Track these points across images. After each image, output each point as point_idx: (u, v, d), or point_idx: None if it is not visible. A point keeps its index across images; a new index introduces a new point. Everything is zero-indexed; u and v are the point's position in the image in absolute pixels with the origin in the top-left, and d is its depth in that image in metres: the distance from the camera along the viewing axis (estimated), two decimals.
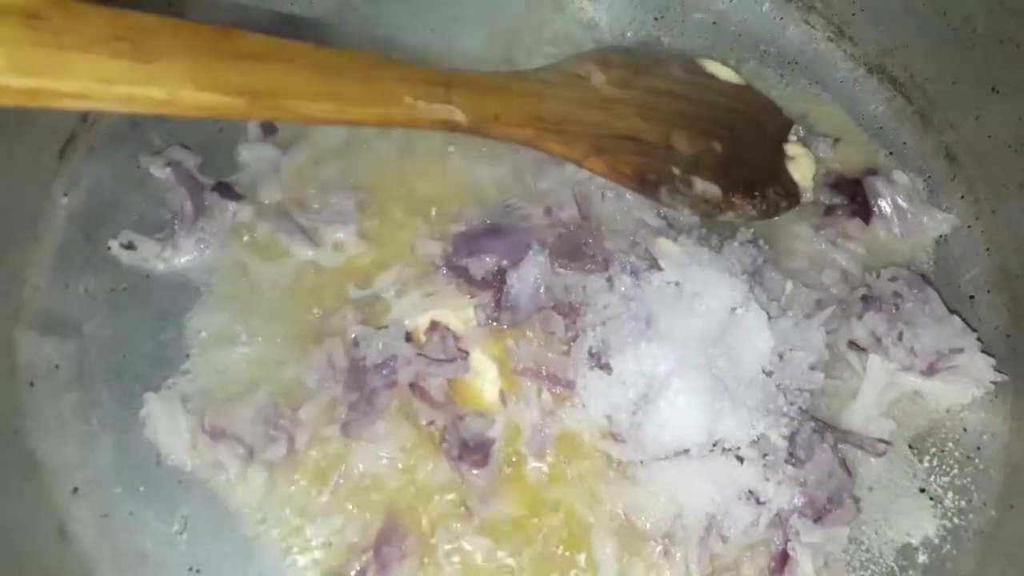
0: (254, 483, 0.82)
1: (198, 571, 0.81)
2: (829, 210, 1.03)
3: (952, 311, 0.95)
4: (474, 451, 0.85)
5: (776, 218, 1.00)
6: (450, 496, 0.84)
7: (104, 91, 0.57)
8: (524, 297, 0.91)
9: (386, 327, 0.89)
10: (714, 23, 1.14)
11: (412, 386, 0.87)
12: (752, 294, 0.90)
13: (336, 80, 0.69)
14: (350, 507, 0.83)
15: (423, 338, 0.89)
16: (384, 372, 0.87)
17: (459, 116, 0.76)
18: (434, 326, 0.90)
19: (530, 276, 0.91)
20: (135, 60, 0.57)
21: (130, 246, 0.92)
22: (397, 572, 0.80)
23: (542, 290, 0.92)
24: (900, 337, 0.92)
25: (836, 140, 1.07)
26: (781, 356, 0.89)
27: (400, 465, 0.84)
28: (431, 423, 0.86)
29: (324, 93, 0.68)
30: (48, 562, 0.78)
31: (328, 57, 0.69)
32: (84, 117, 0.96)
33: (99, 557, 0.81)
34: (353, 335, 0.88)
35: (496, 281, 0.92)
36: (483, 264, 0.93)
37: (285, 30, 0.69)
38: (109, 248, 0.92)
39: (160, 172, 0.95)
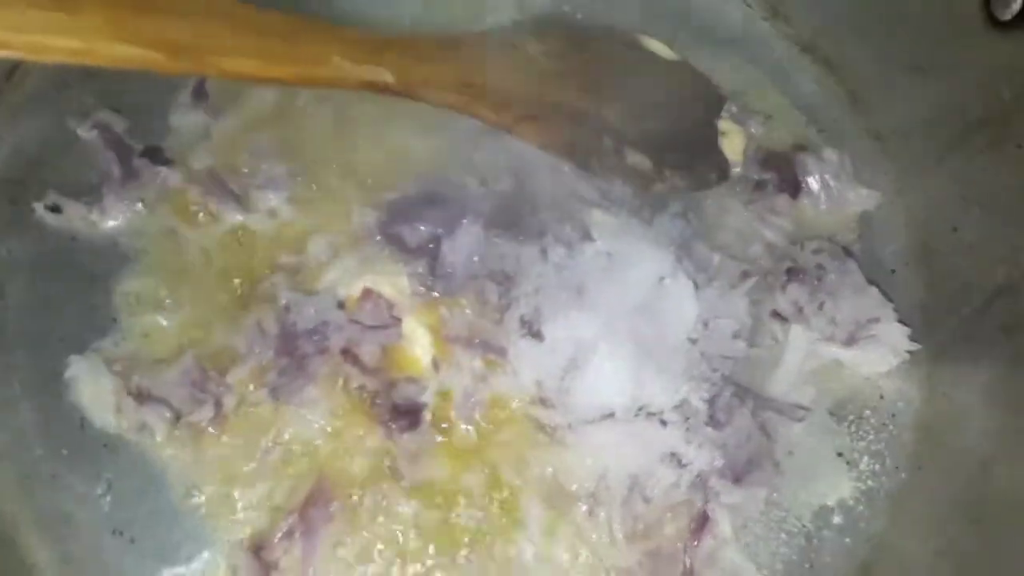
0: (180, 446, 0.82)
1: (121, 533, 0.81)
2: (758, 185, 1.05)
3: (872, 283, 0.99)
4: (404, 415, 0.86)
5: (706, 191, 1.02)
6: (379, 460, 0.84)
7: (20, 40, 0.56)
8: (458, 266, 0.92)
9: (318, 293, 0.90)
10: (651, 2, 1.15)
11: (344, 352, 0.87)
12: (680, 265, 0.92)
13: (260, 37, 0.69)
14: (278, 471, 0.83)
15: (355, 305, 0.90)
16: (315, 338, 0.87)
17: (387, 77, 0.76)
18: (367, 293, 0.90)
19: (464, 245, 0.92)
20: (53, 9, 0.57)
21: (55, 209, 0.90)
22: (324, 534, 0.80)
23: (476, 259, 0.93)
24: (821, 307, 0.96)
25: (768, 117, 1.10)
26: (706, 324, 0.92)
27: (330, 429, 0.85)
28: (362, 388, 0.86)
29: (247, 49, 0.68)
30: None
31: (253, 14, 0.69)
32: (8, 75, 0.93)
33: (21, 520, 0.80)
34: (284, 301, 0.88)
35: (430, 250, 0.93)
36: (418, 233, 0.94)
37: None
38: (33, 211, 0.90)
39: (88, 134, 0.93)
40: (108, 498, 0.82)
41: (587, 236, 0.93)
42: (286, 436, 0.84)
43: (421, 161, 0.99)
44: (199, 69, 0.68)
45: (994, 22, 0.90)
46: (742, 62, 1.13)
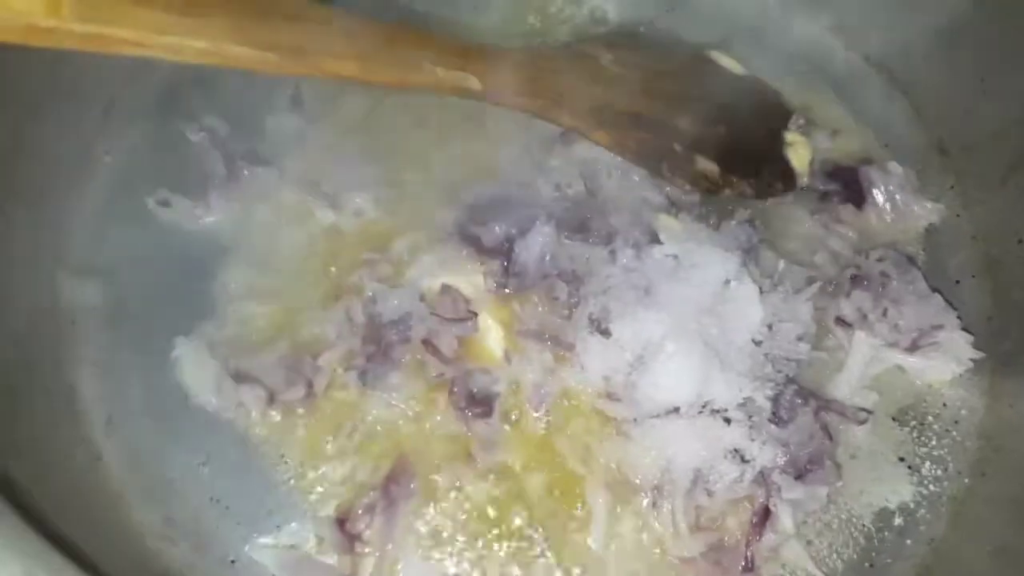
0: (274, 423, 0.89)
1: (219, 501, 0.87)
2: (824, 196, 1.08)
3: (936, 291, 1.00)
4: (479, 403, 0.91)
5: (772, 200, 1.06)
6: (456, 444, 0.90)
7: (156, 40, 0.64)
8: (530, 264, 0.97)
9: (401, 287, 0.96)
10: (723, 16, 1.20)
11: (424, 342, 0.93)
12: (745, 268, 0.96)
13: (361, 42, 0.75)
14: (362, 450, 0.89)
15: (435, 299, 0.95)
16: (399, 328, 0.93)
17: (474, 84, 0.82)
18: (445, 289, 0.96)
19: (536, 245, 0.97)
20: (184, 14, 0.64)
21: (166, 203, 0.99)
22: (403, 508, 0.86)
23: (548, 258, 0.97)
24: (885, 314, 0.98)
25: (835, 131, 1.13)
26: (770, 327, 0.95)
27: (411, 413, 0.91)
28: (440, 375, 0.92)
29: (349, 53, 0.75)
30: (84, 486, 0.85)
31: (355, 22, 0.76)
32: (127, 82, 1.02)
33: (130, 484, 0.87)
34: (370, 293, 0.94)
35: (505, 249, 0.98)
36: (493, 233, 0.99)
37: None
38: (146, 204, 0.98)
39: (195, 136, 1.01)
40: (207, 469, 0.88)
41: (655, 239, 0.98)
42: (370, 418, 0.90)
43: (497, 166, 1.05)
44: (306, 71, 0.75)
45: None
46: (810, 77, 1.17)
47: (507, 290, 0.97)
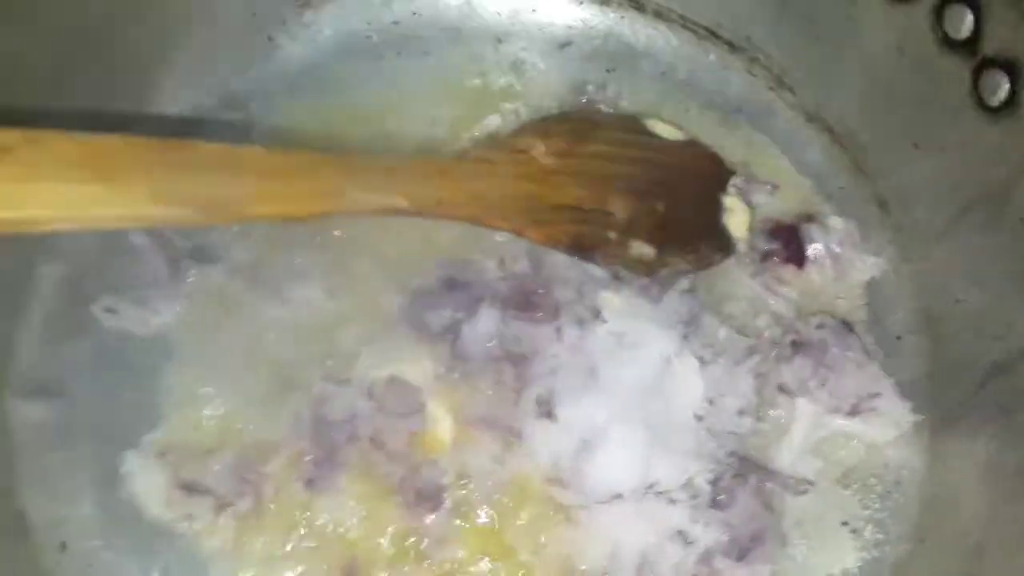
0: (224, 534, 0.90)
1: None
2: (765, 256, 1.09)
3: (874, 356, 1.02)
4: (428, 498, 0.93)
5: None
6: (406, 542, 0.91)
7: (73, 215, 0.64)
8: (478, 348, 0.99)
9: (348, 381, 0.97)
10: (662, 73, 1.20)
11: (372, 440, 0.94)
12: (686, 342, 0.98)
13: (282, 181, 0.76)
14: (313, 554, 0.90)
15: (383, 392, 0.97)
16: (346, 428, 0.94)
17: (401, 202, 0.83)
18: (392, 380, 0.97)
19: (483, 328, 0.99)
20: (99, 182, 0.64)
21: (111, 310, 0.99)
22: None
23: (494, 341, 0.99)
24: (824, 383, 1.00)
25: (775, 187, 1.14)
26: (711, 402, 0.97)
27: (361, 513, 0.92)
28: (390, 474, 0.93)
29: (270, 195, 0.75)
30: None
31: (276, 159, 0.76)
32: None
33: None
34: (316, 392, 0.96)
35: (451, 333, 0.99)
36: (440, 317, 1.01)
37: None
38: (92, 312, 0.99)
39: (139, 239, 1.02)
40: None
41: (599, 317, 0.99)
42: (319, 521, 0.91)
43: (444, 247, 1.05)
44: (226, 219, 0.76)
45: (983, 107, 0.93)
46: (750, 131, 1.18)
47: (455, 375, 0.98)
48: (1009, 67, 0.89)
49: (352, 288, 1.03)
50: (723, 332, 1.02)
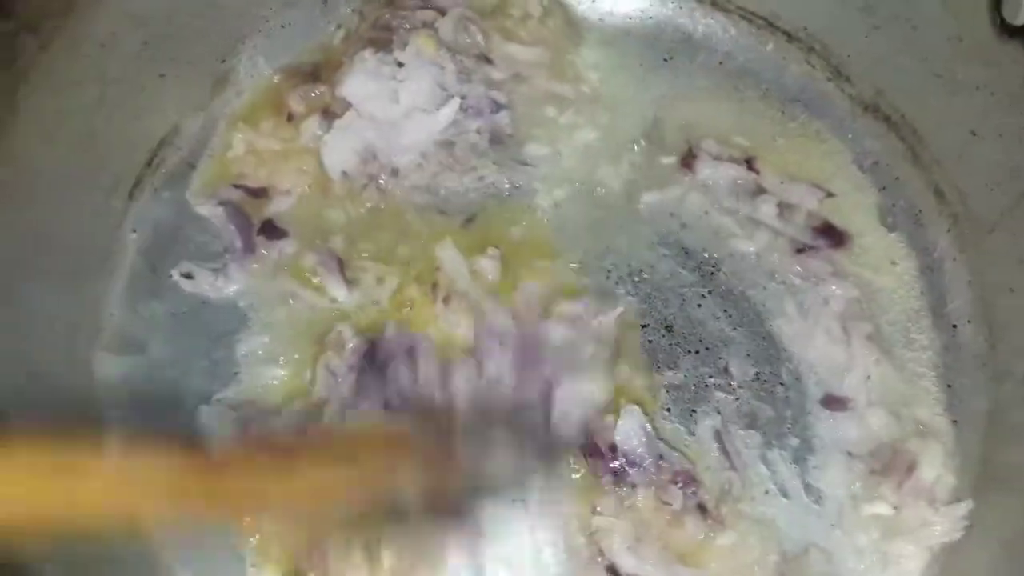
0: None
1: None
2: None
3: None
4: None
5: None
6: None
7: None
8: None
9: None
10: (720, 63, 1.22)
11: None
12: None
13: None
14: None
15: None
16: None
17: None
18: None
19: None
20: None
21: (188, 275, 1.06)
22: None
23: None
24: None
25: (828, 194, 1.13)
26: None
27: None
28: None
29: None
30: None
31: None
32: (148, 162, 1.10)
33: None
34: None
35: None
36: None
37: None
38: (171, 277, 1.06)
39: (212, 211, 1.08)
40: None
41: None
42: None
43: None
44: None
45: None
46: (808, 121, 1.18)
47: None
48: None
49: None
50: None
